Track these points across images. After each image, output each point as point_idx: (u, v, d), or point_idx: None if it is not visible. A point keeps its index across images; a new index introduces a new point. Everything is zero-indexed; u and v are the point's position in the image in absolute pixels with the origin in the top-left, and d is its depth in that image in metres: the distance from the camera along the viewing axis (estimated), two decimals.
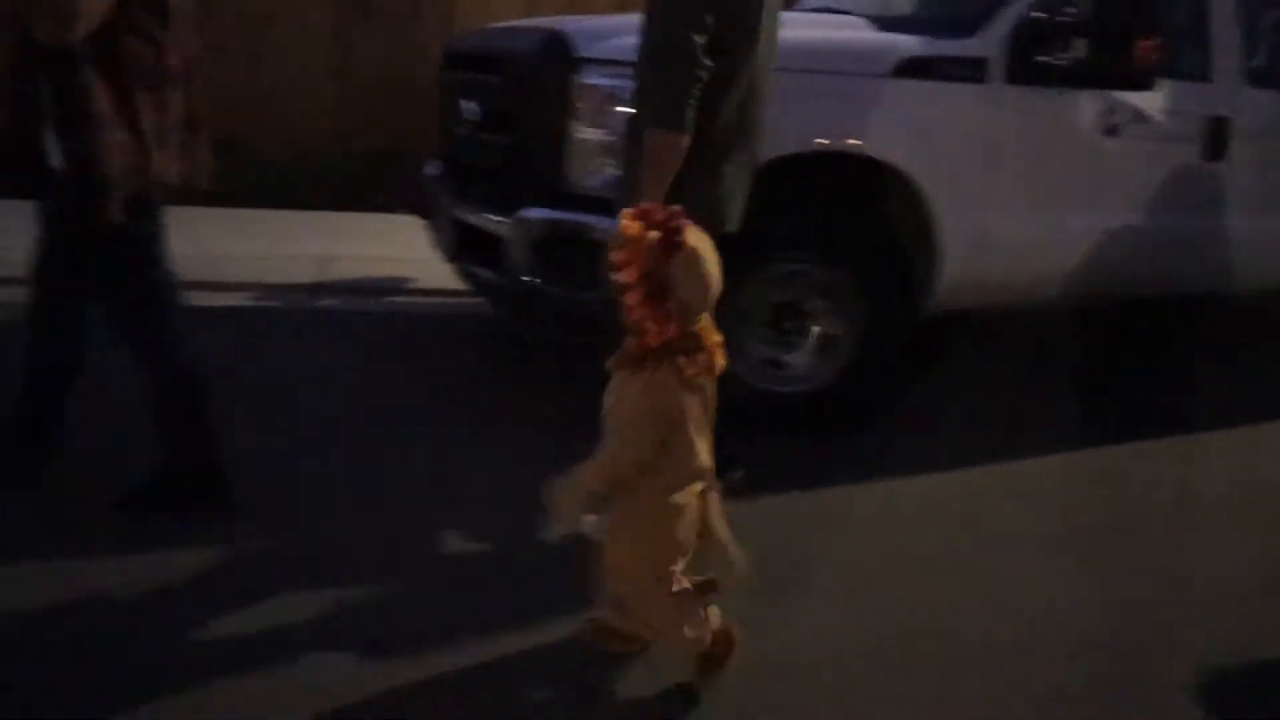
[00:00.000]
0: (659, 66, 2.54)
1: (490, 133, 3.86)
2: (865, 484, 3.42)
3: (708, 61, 2.49)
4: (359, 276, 5.27)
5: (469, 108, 3.99)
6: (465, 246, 3.91)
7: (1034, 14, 3.83)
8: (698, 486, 2.18)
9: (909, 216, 3.76)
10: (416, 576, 2.65)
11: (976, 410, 4.21)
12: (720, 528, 2.23)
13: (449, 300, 5.03)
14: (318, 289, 5.11)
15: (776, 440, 3.57)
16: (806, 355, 3.76)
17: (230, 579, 2.55)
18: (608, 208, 3.44)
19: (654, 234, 2.04)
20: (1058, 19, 3.84)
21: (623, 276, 2.06)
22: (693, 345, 2.11)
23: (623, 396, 2.13)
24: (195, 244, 5.55)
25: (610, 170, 3.45)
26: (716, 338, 2.16)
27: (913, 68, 3.67)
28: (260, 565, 2.62)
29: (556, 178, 3.54)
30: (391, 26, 7.74)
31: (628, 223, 2.07)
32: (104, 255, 2.69)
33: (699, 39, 2.47)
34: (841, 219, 3.68)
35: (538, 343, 4.47)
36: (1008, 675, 2.40)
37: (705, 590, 2.25)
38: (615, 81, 3.41)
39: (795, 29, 3.86)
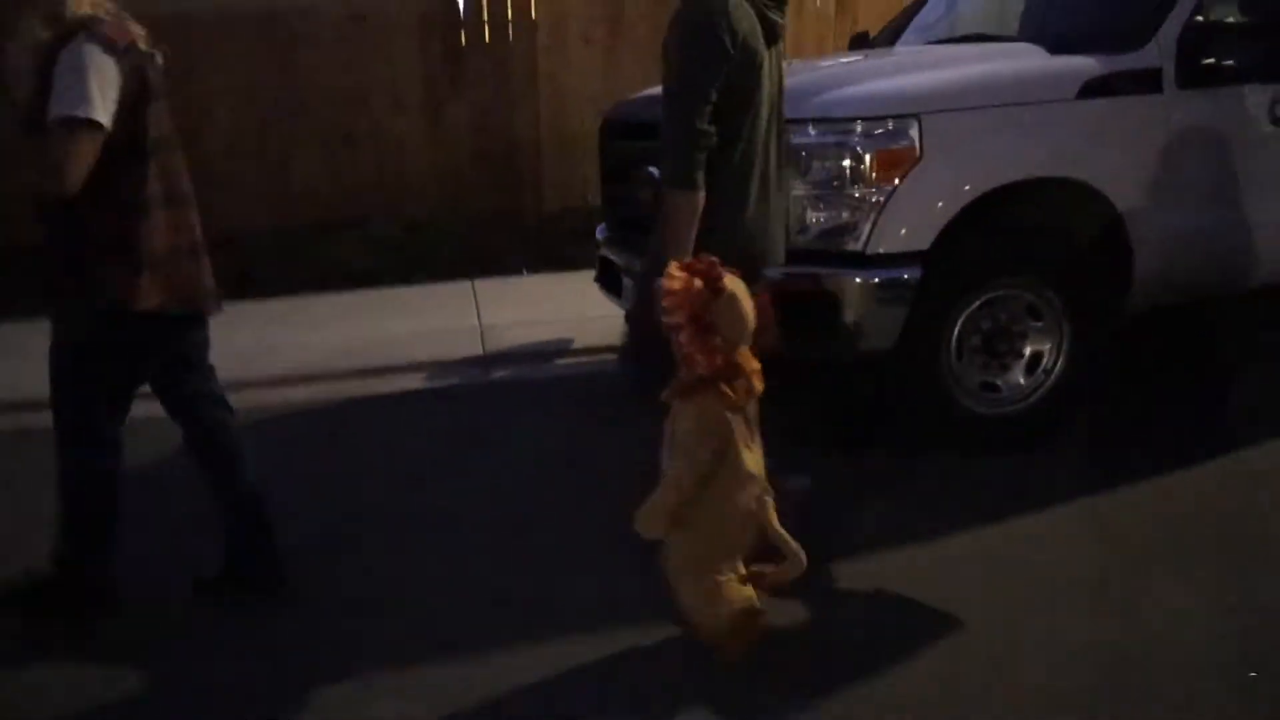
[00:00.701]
0: (670, 134, 2.79)
1: None
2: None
3: (712, 127, 2.74)
4: (522, 343, 5.39)
5: (648, 172, 4.08)
6: None
7: (1196, 18, 3.93)
8: (753, 491, 2.53)
9: (1102, 230, 3.85)
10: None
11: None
12: (778, 527, 2.59)
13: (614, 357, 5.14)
14: (488, 361, 5.22)
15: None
16: (1018, 376, 3.85)
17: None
18: (829, 259, 3.59)
19: (698, 282, 2.42)
20: (1221, 20, 3.95)
21: (674, 319, 2.44)
22: (734, 373, 2.49)
23: (679, 422, 2.52)
24: (355, 329, 5.74)
25: (824, 222, 3.58)
26: (755, 365, 2.54)
27: (1095, 88, 3.77)
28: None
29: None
30: (479, 93, 7.88)
31: (676, 274, 2.45)
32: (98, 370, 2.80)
33: (704, 109, 2.73)
34: (1043, 241, 3.77)
35: None
36: None
37: (752, 580, 2.61)
38: (812, 139, 3.55)
39: (976, 64, 3.99)
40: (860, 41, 5.47)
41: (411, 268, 7.02)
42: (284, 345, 5.54)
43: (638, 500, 2.54)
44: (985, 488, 3.53)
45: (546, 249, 7.21)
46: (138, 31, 2.76)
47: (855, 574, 2.99)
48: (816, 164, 3.55)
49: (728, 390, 2.47)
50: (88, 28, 2.59)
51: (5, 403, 4.70)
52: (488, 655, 2.69)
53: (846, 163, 3.50)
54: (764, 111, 2.90)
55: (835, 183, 3.52)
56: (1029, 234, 3.74)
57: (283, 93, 7.80)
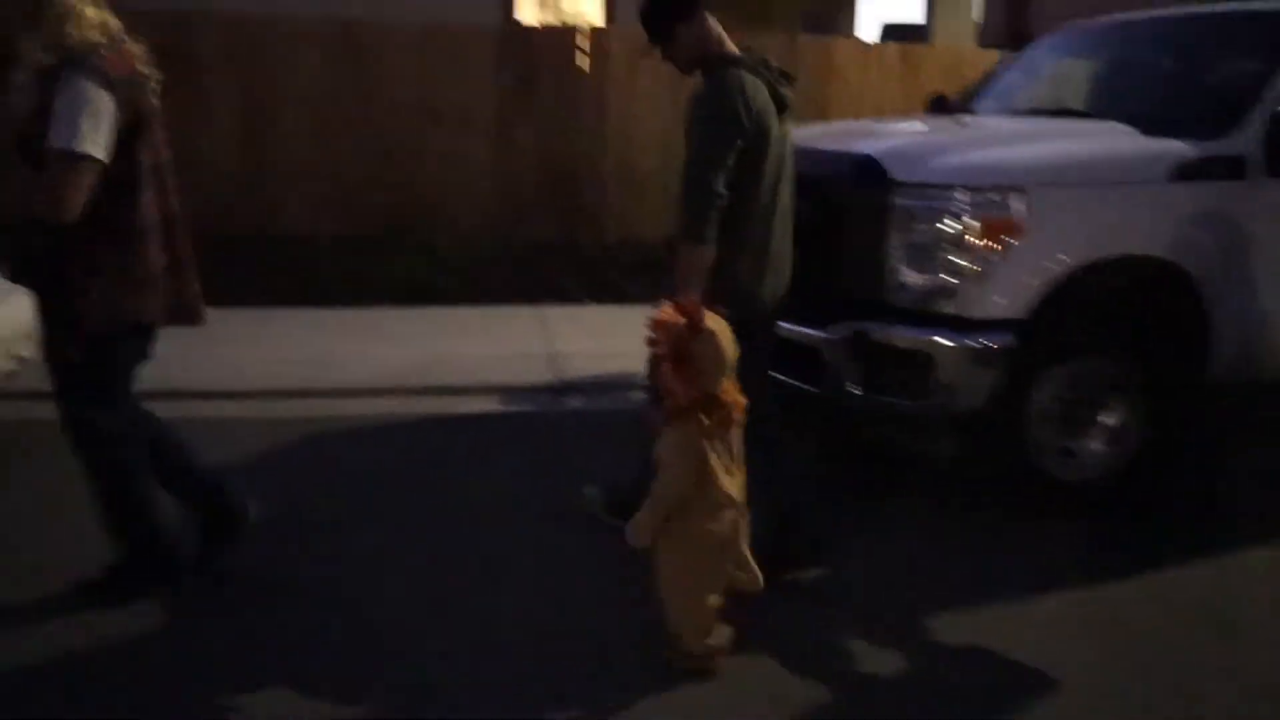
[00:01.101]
0: (689, 195, 3.11)
1: None
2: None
3: (725, 190, 3.07)
4: (593, 374, 5.51)
5: None
6: None
7: None
8: (729, 516, 2.76)
9: (1185, 309, 3.98)
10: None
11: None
12: (745, 550, 2.83)
13: None
14: (560, 389, 5.35)
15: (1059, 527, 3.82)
16: (1096, 444, 3.97)
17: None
18: (926, 321, 3.72)
19: (680, 320, 2.70)
20: None
21: (657, 352, 2.74)
22: (713, 404, 2.74)
23: (663, 445, 2.79)
24: (424, 345, 5.87)
25: (925, 284, 3.72)
26: (735, 398, 2.77)
27: (1184, 172, 3.92)
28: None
29: (872, 293, 3.79)
30: (549, 117, 8.07)
31: (663, 312, 2.74)
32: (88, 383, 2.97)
33: (721, 175, 3.07)
34: (1129, 316, 3.91)
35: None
36: None
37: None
38: (919, 203, 3.70)
39: (1077, 141, 4.13)
40: (939, 104, 5.62)
41: (471, 287, 7.17)
42: (355, 356, 5.68)
43: None
44: (1073, 550, 3.67)
45: (605, 280, 7.36)
46: (137, 53, 2.88)
47: (950, 627, 3.11)
48: (921, 227, 3.68)
49: (705, 419, 2.73)
50: (88, 57, 2.73)
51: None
52: (517, 691, 2.75)
53: (951, 228, 3.63)
54: (770, 173, 3.25)
55: (938, 246, 3.66)
56: (1117, 309, 3.88)
57: (353, 103, 8.00)
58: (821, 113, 8.42)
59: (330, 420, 4.87)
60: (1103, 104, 4.81)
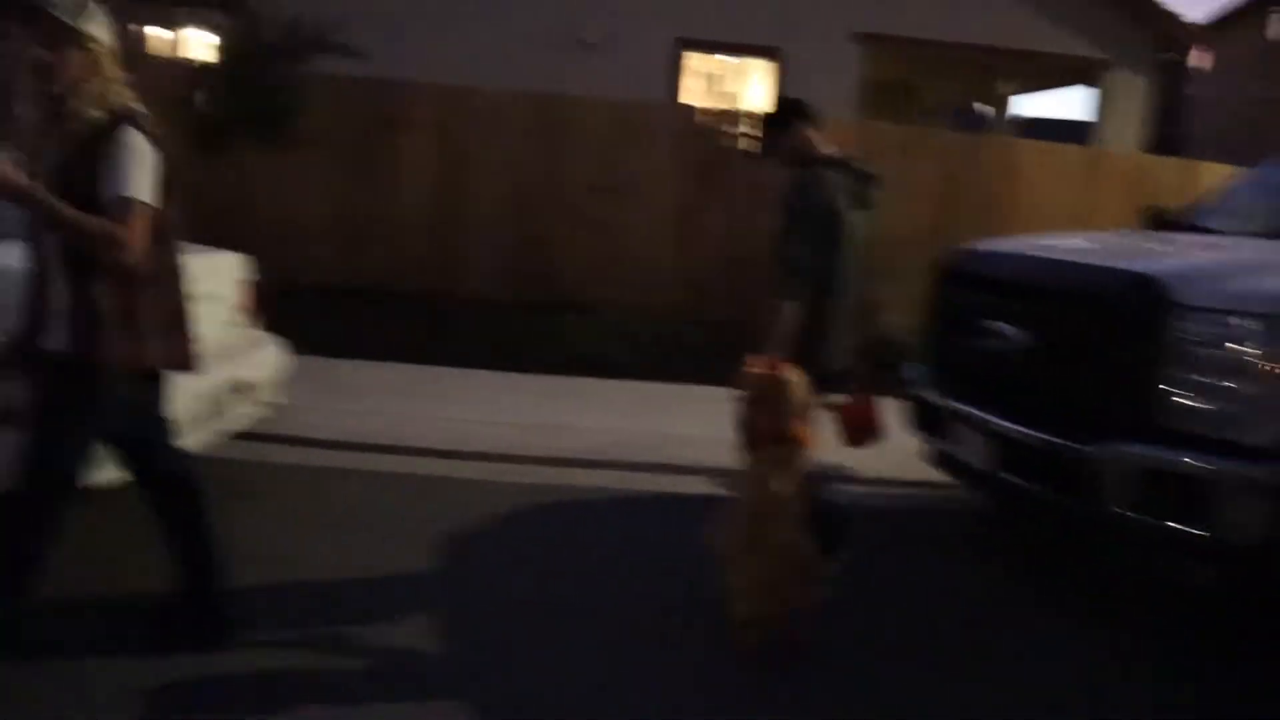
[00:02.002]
0: (780, 263, 3.92)
1: (1045, 358, 4.13)
2: None
3: (808, 260, 3.87)
4: None
5: (1004, 328, 4.27)
6: (1012, 461, 4.16)
7: None
8: (781, 528, 3.32)
9: None
10: None
11: None
12: (807, 557, 3.34)
13: (891, 490, 5.31)
14: None
15: None
16: None
17: None
18: (1201, 445, 3.68)
19: (763, 371, 3.44)
20: None
21: (744, 396, 3.44)
22: (783, 439, 3.40)
23: (746, 469, 3.47)
24: (625, 420, 5.97)
25: (1202, 409, 3.69)
26: (803, 436, 3.44)
27: None
28: None
29: (1140, 411, 3.78)
30: (733, 203, 8.24)
31: (750, 364, 3.48)
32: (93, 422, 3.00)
33: (803, 248, 3.88)
34: None
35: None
36: None
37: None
38: (1213, 328, 3.68)
39: None
40: (1160, 218, 5.60)
41: (657, 363, 7.29)
42: (565, 427, 5.82)
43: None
44: None
45: None
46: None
47: None
48: (1203, 351, 3.66)
49: (776, 450, 3.38)
50: (134, 115, 2.93)
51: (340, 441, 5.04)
52: None
53: (1235, 354, 3.62)
54: (842, 255, 3.99)
55: (1220, 372, 3.64)
56: None
57: (542, 175, 8.28)
58: (1003, 213, 8.47)
59: (552, 489, 5.00)
60: None
